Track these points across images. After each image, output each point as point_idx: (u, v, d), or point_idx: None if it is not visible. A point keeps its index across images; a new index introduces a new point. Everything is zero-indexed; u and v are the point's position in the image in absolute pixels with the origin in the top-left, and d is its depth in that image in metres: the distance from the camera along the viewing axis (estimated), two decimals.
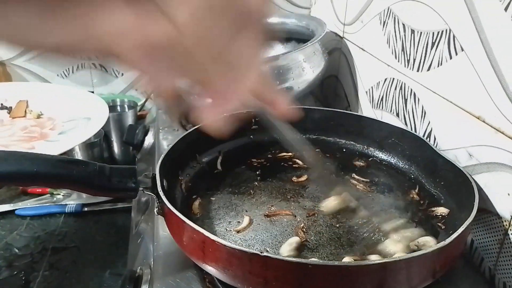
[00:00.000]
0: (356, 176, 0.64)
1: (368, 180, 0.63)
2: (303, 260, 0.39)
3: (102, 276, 0.86)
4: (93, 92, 1.74)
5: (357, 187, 0.62)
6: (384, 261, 0.39)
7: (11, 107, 0.71)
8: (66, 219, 1.04)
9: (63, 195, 1.11)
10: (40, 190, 1.13)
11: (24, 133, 0.67)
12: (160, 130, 0.88)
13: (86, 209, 1.07)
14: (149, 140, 0.99)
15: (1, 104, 0.72)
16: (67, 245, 0.96)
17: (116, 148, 1.28)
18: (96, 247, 0.95)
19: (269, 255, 0.39)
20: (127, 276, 0.53)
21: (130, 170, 0.50)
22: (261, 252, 0.38)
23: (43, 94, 0.77)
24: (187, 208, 0.57)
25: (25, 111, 0.72)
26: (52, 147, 0.63)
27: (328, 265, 0.40)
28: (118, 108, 1.35)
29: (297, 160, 0.68)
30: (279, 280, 0.40)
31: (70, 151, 1.16)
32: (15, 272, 0.88)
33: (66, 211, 1.06)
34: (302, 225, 0.53)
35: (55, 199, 1.10)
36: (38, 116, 0.71)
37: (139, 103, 1.37)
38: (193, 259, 0.46)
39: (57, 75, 1.35)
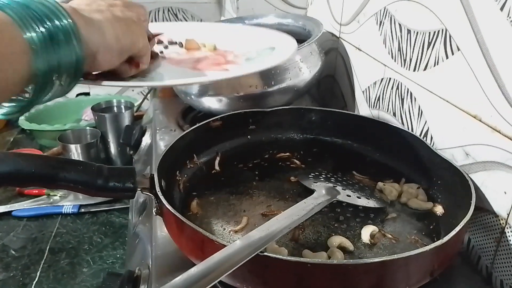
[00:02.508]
0: (356, 174, 0.64)
1: (368, 177, 0.64)
2: (302, 259, 0.39)
3: (99, 276, 0.86)
4: (89, 93, 1.74)
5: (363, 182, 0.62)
6: (382, 259, 0.39)
7: (181, 42, 0.67)
8: (63, 220, 1.04)
9: (59, 196, 1.11)
10: (36, 191, 1.13)
11: (189, 55, 0.63)
12: (157, 131, 0.88)
13: (83, 210, 1.07)
14: (146, 140, 0.99)
15: (168, 41, 0.68)
16: (64, 246, 0.96)
17: (112, 149, 1.28)
18: (93, 248, 0.95)
19: (268, 254, 0.39)
20: (125, 276, 0.53)
21: (128, 170, 0.50)
22: (261, 252, 0.39)
23: (208, 33, 0.72)
24: (185, 208, 0.57)
25: (198, 45, 0.67)
26: (246, 69, 0.58)
27: (327, 264, 0.40)
28: (115, 108, 1.35)
29: (295, 160, 0.69)
30: (278, 279, 0.40)
31: (67, 152, 1.16)
32: (12, 274, 0.87)
33: (63, 212, 1.06)
34: (300, 224, 0.53)
35: (51, 200, 1.10)
36: (214, 48, 0.66)
37: (136, 104, 1.37)
38: (192, 259, 0.46)
39: None
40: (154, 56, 0.59)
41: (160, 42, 0.67)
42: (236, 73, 0.56)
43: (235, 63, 0.59)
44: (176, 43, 0.67)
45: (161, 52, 0.64)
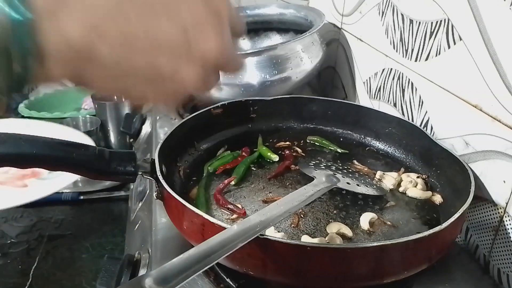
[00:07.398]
0: (356, 163, 0.65)
1: (368, 166, 0.64)
2: (301, 242, 0.40)
3: (98, 263, 0.87)
4: None
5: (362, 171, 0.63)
6: (381, 243, 0.39)
7: None
8: (62, 208, 1.04)
9: None
10: None
11: (17, 171, 0.72)
12: (158, 119, 0.88)
13: (82, 197, 1.07)
14: (146, 129, 0.99)
15: None
16: (63, 233, 0.96)
17: (112, 137, 1.28)
18: (92, 234, 0.95)
19: (268, 237, 0.39)
20: (125, 260, 0.53)
21: (129, 154, 0.50)
22: (261, 235, 0.39)
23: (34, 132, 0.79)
24: (185, 194, 0.57)
25: None
26: (43, 186, 0.69)
27: (327, 247, 0.40)
28: (115, 97, 1.35)
29: (296, 148, 0.69)
30: (277, 262, 0.40)
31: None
32: (12, 259, 0.88)
33: (62, 199, 1.06)
34: (300, 210, 0.53)
35: None
36: None
37: None
38: (192, 242, 0.46)
39: None
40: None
41: None
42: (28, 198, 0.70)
43: (38, 176, 0.73)
44: None
45: None
